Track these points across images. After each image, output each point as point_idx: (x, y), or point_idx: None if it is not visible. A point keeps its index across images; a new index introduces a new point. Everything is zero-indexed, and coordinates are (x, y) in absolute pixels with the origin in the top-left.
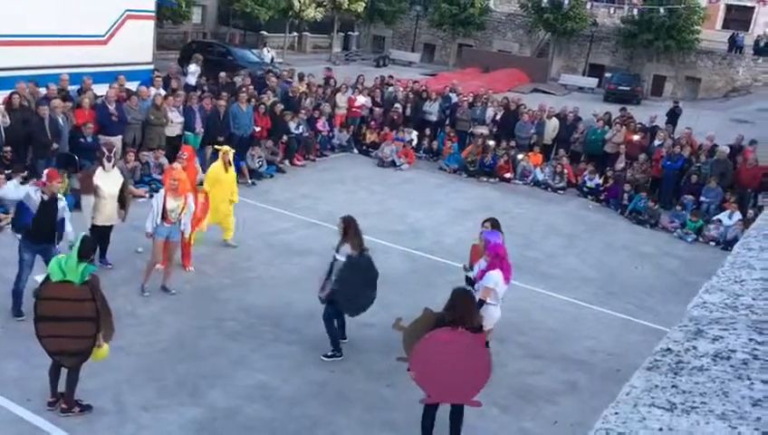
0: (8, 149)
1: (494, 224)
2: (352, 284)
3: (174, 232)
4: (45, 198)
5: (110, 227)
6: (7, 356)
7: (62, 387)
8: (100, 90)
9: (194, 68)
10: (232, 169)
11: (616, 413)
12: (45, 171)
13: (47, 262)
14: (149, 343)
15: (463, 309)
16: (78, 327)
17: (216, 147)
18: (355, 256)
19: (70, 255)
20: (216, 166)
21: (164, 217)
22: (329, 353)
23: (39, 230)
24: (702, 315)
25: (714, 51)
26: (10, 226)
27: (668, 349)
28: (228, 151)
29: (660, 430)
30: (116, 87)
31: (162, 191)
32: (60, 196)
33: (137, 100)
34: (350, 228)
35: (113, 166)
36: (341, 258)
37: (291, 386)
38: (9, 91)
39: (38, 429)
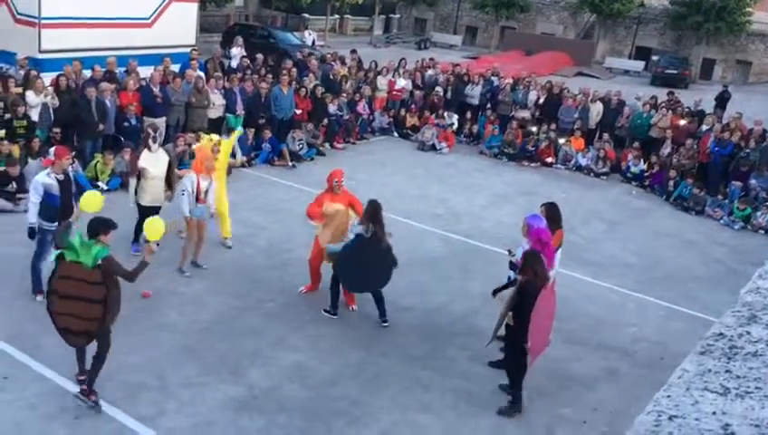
0: (57, 130)
1: (549, 209)
2: (353, 260)
3: (204, 211)
4: (60, 177)
5: (157, 209)
6: (48, 332)
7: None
8: (145, 72)
9: (236, 51)
10: (219, 158)
11: (668, 396)
12: (52, 149)
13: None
14: (191, 322)
15: (537, 265)
16: (86, 308)
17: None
18: (364, 236)
19: (81, 236)
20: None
21: (197, 197)
22: (326, 308)
23: (63, 210)
24: (756, 301)
25: (766, 33)
26: (37, 217)
27: (721, 334)
28: (215, 141)
29: (714, 413)
30: (160, 69)
31: (193, 174)
32: (70, 171)
33: (180, 82)
34: (366, 212)
35: (159, 147)
36: (351, 235)
37: (328, 367)
38: (57, 73)
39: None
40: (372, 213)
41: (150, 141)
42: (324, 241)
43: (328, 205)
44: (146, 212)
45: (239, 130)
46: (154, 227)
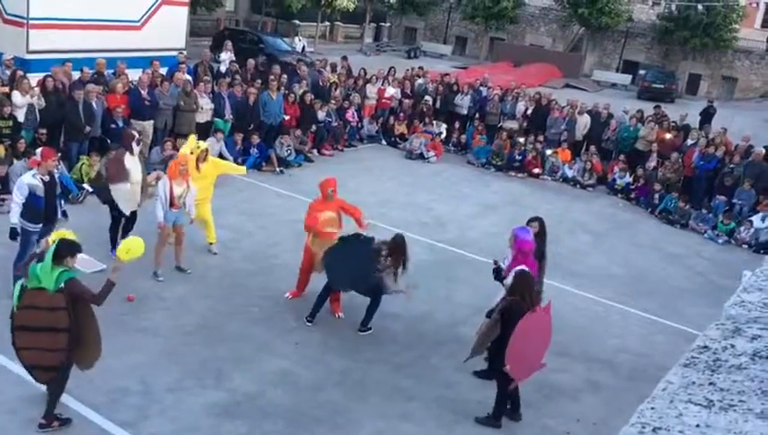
0: (43, 131)
1: (540, 224)
2: (341, 253)
3: (180, 216)
4: (46, 178)
5: (135, 213)
6: None
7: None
8: (133, 75)
9: (225, 55)
10: (207, 166)
11: (652, 408)
12: (39, 150)
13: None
14: (175, 326)
15: (525, 290)
16: (52, 339)
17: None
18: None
19: (45, 260)
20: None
21: (171, 203)
22: (307, 316)
23: (47, 211)
24: (740, 314)
25: (752, 50)
26: (18, 218)
27: (705, 346)
28: (203, 149)
29: (698, 426)
30: (149, 72)
31: (166, 179)
32: (56, 173)
33: (168, 85)
34: (396, 248)
35: (140, 151)
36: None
37: (312, 373)
38: (44, 74)
39: (63, 405)
40: (398, 249)
41: (134, 144)
42: (316, 248)
43: (322, 214)
44: (126, 217)
45: (243, 169)
46: (132, 246)
